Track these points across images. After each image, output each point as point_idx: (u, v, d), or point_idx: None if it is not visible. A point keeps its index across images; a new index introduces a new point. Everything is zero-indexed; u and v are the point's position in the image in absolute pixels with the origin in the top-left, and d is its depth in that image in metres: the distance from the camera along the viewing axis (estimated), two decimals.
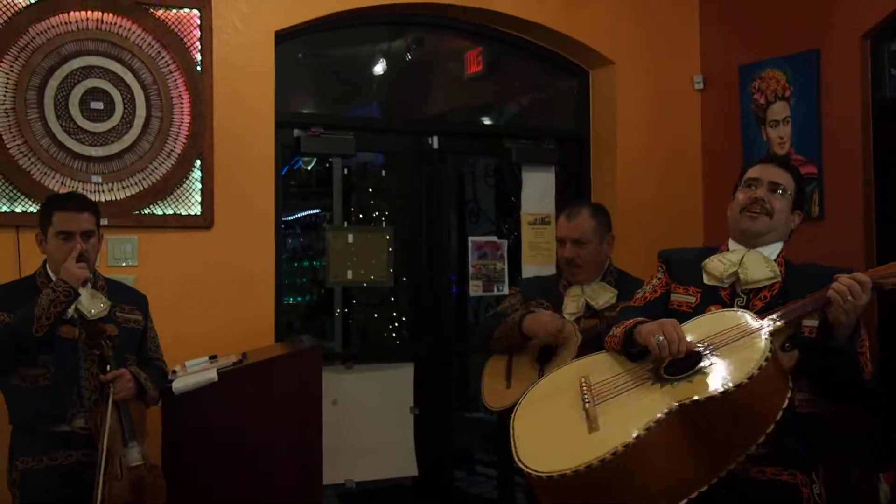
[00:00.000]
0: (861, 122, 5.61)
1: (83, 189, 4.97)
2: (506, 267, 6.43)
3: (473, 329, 6.48)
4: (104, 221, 4.85)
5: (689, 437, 2.81)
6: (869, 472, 4.54)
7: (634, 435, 2.75)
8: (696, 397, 2.80)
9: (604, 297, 4.39)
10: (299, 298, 6.78)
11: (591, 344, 3.81)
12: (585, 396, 3.04)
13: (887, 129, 5.60)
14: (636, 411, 2.87)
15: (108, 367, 3.99)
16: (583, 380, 3.14)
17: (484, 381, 4.53)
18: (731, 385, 2.77)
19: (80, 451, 4.00)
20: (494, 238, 6.54)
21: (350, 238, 6.00)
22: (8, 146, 4.92)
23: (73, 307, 4.01)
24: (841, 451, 4.05)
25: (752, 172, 3.40)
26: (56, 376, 3.99)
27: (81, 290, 4.03)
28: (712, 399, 2.78)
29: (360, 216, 6.53)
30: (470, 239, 6.45)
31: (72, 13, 5.05)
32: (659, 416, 2.80)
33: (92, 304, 4.07)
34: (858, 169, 5.60)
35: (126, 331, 4.20)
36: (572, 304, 4.41)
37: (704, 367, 2.91)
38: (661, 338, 3.01)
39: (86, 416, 4.02)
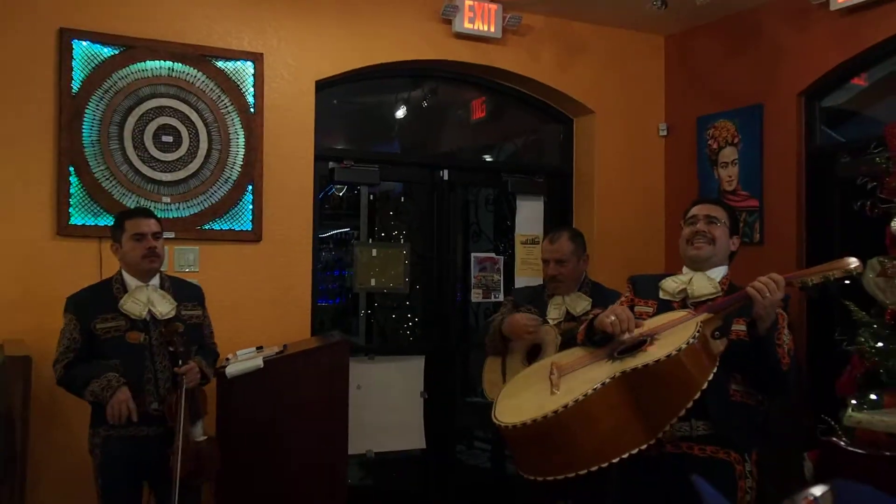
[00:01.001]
0: (796, 165, 5.64)
1: (155, 207, 4.98)
2: (501, 278, 6.43)
3: (476, 329, 6.49)
4: (171, 234, 4.93)
5: (629, 399, 2.89)
6: (797, 452, 4.53)
7: (583, 393, 2.87)
8: (633, 366, 2.90)
9: (581, 305, 4.39)
10: (331, 301, 6.63)
11: (569, 343, 3.78)
12: (553, 372, 3.13)
13: (817, 172, 5.64)
14: (589, 379, 2.98)
15: (181, 362, 3.96)
16: (554, 363, 3.24)
17: (484, 376, 4.52)
18: (662, 356, 2.86)
19: (151, 427, 3.99)
20: (493, 254, 6.54)
21: (374, 252, 6.02)
22: (93, 171, 4.96)
23: (146, 310, 4.02)
24: (773, 434, 4.03)
25: (692, 211, 3.45)
26: (126, 375, 3.93)
27: (153, 295, 4.05)
28: (646, 366, 2.87)
29: (383, 234, 6.46)
30: (472, 255, 6.46)
31: (148, 62, 5.09)
32: (606, 380, 2.90)
33: (162, 306, 4.07)
34: (793, 203, 5.64)
35: (190, 326, 4.16)
36: (555, 311, 4.41)
37: (646, 347, 3.00)
38: (614, 318, 3.09)
39: (159, 400, 4.00)
